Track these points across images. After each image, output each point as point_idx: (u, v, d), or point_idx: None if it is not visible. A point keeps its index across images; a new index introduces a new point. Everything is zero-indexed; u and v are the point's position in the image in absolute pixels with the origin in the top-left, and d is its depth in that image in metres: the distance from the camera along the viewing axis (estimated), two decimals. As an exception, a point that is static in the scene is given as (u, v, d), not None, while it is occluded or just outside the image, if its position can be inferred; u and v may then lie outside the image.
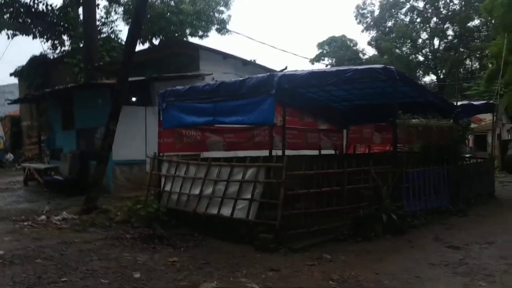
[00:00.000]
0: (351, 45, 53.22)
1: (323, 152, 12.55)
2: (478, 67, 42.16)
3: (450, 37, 44.10)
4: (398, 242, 7.45)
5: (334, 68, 7.98)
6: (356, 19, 48.44)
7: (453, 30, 43.47)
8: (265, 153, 10.72)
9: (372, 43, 47.92)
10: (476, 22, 40.72)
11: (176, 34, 25.82)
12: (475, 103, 13.49)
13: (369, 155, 12.92)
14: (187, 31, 27.03)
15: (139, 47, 23.72)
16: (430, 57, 44.76)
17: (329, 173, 7.92)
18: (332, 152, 12.99)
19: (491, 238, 7.65)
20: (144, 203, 8.01)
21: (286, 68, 7.39)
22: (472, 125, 14.55)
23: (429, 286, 5.25)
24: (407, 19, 45.52)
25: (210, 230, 7.81)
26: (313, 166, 7.72)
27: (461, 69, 44.27)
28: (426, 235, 7.97)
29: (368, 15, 47.48)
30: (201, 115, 8.29)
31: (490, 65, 28.82)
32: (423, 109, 10.43)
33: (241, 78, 7.87)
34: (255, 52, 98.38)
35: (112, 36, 26.91)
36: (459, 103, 12.48)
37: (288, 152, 10.87)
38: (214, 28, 27.98)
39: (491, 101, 14.63)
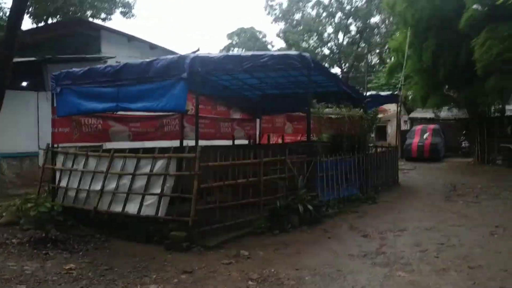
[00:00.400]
0: (260, 36, 53.74)
1: (237, 142, 12.16)
2: (378, 61, 44.79)
3: (353, 32, 46.24)
4: (315, 233, 7.28)
5: (250, 53, 7.53)
6: (265, 10, 48.78)
7: (355, 25, 45.59)
8: (175, 143, 10.04)
9: (281, 35, 48.59)
10: (377, 18, 43.15)
11: (75, 16, 23.60)
12: (382, 93, 14.01)
13: (284, 145, 12.78)
14: (88, 12, 24.86)
15: (32, 26, 21.39)
16: (335, 50, 46.55)
17: (245, 163, 7.49)
18: (246, 142, 12.65)
19: (402, 225, 7.79)
20: (36, 201, 6.90)
21: (198, 50, 6.79)
22: (379, 115, 15.11)
23: (351, 280, 5.03)
24: (314, 12, 46.84)
25: (114, 230, 6.99)
26: (228, 156, 7.22)
27: (363, 63, 46.68)
28: (341, 225, 7.93)
29: (277, 7, 48.03)
30: (102, 100, 7.34)
31: (389, 60, 30.67)
32: (335, 98, 10.46)
33: (148, 60, 7.07)
34: (163, 39, 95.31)
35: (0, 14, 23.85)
36: (368, 94, 12.84)
37: (200, 142, 10.36)
38: (118, 11, 26.09)
39: (395, 92, 15.33)
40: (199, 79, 7.43)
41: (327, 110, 9.82)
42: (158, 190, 6.68)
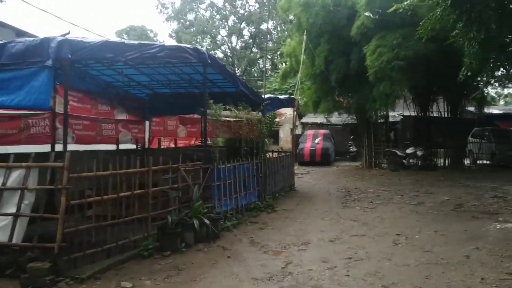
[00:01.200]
0: (152, 35, 51.48)
1: (122, 146, 10.74)
2: (270, 67, 45.49)
3: (246, 37, 46.48)
4: (213, 252, 6.36)
5: (136, 41, 6.37)
6: (157, 8, 46.91)
7: (249, 30, 45.91)
8: (46, 148, 8.40)
9: (173, 35, 47.10)
10: (270, 24, 43.85)
11: None
12: (280, 97, 13.65)
13: (177, 149, 11.66)
14: None
15: None
16: (228, 54, 46.36)
17: (129, 172, 6.28)
18: (133, 146, 11.28)
19: (305, 237, 7.22)
20: None
21: (69, 33, 5.47)
22: (277, 119, 14.74)
23: (258, 313, 4.20)
24: (208, 14, 46.17)
25: (-50, 262, 5.31)
26: (109, 164, 5.97)
27: (255, 68, 47.16)
28: (241, 239, 7.13)
29: (169, 5, 46.43)
30: None
31: (281, 65, 31.02)
32: (233, 100, 9.67)
33: (0, 42, 5.53)
34: (38, 31, 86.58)
35: None
36: (266, 96, 12.30)
37: (77, 147, 8.87)
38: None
39: (293, 96, 15.11)
40: (70, 69, 6.02)
41: (224, 112, 8.98)
42: (13, 210, 5.20)
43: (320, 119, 25.44)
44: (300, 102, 21.83)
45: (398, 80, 14.15)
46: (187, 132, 14.16)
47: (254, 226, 8.09)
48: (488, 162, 19.85)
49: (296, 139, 22.97)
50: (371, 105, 16.60)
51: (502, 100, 34.98)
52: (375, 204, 10.33)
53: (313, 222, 8.52)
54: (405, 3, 11.58)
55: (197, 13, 46.21)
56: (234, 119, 9.70)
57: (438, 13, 10.72)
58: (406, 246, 6.60)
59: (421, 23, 11.26)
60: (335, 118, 24.50)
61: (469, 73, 10.31)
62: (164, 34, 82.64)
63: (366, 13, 14.00)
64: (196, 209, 6.89)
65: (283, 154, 12.97)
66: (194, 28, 45.04)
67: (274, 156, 12.30)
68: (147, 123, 12.14)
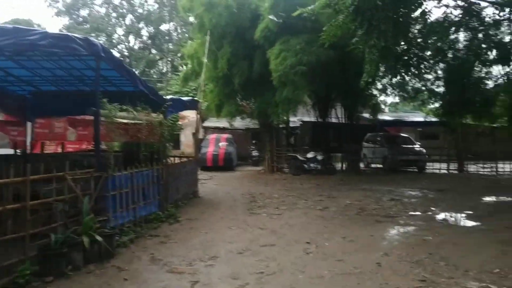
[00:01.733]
0: (39, 31, 47.27)
1: (-3, 151, 9.25)
2: (170, 69, 44.25)
3: (145, 37, 44.67)
4: (106, 274, 5.49)
5: (12, 25, 5.31)
6: (45, 1, 43.17)
7: (147, 30, 44.20)
8: None
9: (64, 31, 43.63)
10: (169, 26, 42.62)
11: None
12: (183, 98, 12.87)
13: (64, 155, 10.33)
14: None
15: None
16: (126, 54, 44.14)
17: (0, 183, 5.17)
18: (11, 151, 9.77)
19: (213, 250, 6.64)
20: None
21: None
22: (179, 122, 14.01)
23: None
24: (103, 11, 43.58)
25: None
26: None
27: (154, 70, 45.56)
28: (140, 256, 6.32)
29: (60, -1, 42.96)
30: None
31: (182, 67, 30.19)
32: (131, 100, 8.77)
33: None
34: None
35: None
36: (168, 97, 11.48)
37: None
38: None
39: (195, 98, 14.45)
40: None
41: (120, 113, 8.07)
42: None
43: (222, 123, 25.07)
44: (202, 105, 21.27)
45: (301, 85, 14.25)
46: (78, 136, 12.81)
47: (155, 240, 7.30)
48: (381, 166, 21.06)
49: (199, 143, 22.35)
50: (274, 110, 16.57)
51: (387, 108, 37.92)
52: (281, 210, 10.11)
53: (219, 232, 7.97)
54: (309, 8, 11.66)
55: (91, 9, 43.40)
56: (132, 121, 8.82)
57: (340, 19, 10.90)
58: (317, 255, 6.36)
59: (324, 29, 11.39)
60: (238, 123, 24.29)
61: (369, 80, 10.61)
62: (54, 30, 76.59)
63: (271, 16, 13.92)
64: (86, 224, 5.95)
65: (185, 159, 12.26)
66: (88, 25, 42.18)
67: (176, 161, 11.55)
68: (29, 124, 10.64)
